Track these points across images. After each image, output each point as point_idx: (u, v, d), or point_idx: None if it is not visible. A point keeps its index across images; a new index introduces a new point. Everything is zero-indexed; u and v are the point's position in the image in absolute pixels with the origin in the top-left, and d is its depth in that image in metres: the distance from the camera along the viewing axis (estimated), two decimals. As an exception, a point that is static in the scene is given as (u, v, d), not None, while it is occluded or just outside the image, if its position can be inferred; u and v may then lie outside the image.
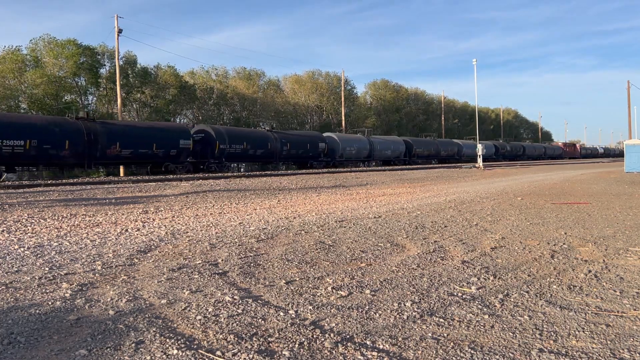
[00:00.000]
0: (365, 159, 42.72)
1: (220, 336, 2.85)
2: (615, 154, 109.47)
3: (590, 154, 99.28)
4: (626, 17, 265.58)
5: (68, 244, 5.81)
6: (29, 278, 4.19)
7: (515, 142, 78.29)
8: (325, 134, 40.43)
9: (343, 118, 54.43)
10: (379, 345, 2.72)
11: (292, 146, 35.25)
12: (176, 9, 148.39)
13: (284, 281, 4.05)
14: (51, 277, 4.20)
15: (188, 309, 3.34)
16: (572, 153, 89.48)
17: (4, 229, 6.95)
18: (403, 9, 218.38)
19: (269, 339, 2.81)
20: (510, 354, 2.60)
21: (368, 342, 2.76)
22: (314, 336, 2.85)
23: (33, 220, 7.78)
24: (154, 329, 2.95)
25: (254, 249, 5.45)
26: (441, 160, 52.49)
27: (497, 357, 2.56)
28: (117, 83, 35.14)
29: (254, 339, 2.81)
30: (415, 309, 3.32)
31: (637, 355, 2.59)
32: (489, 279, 4.12)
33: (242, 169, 37.98)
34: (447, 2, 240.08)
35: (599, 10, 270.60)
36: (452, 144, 55.57)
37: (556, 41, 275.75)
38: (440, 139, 60.17)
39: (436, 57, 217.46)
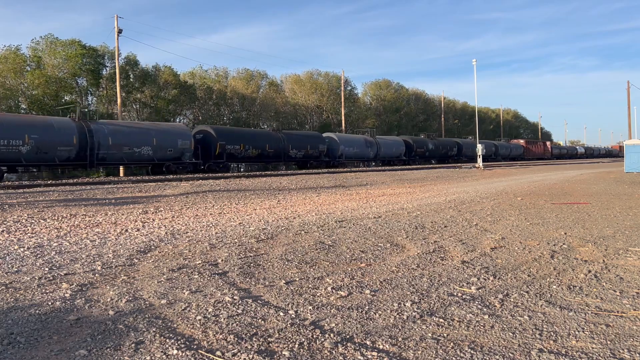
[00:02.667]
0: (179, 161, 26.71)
1: (220, 336, 2.85)
2: (600, 154, 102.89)
3: (566, 155, 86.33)
4: (627, 18, 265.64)
5: (68, 244, 5.81)
6: (28, 278, 4.19)
7: (447, 138, 58.49)
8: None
9: (343, 118, 54.41)
10: (378, 345, 2.72)
11: None
12: (178, 10, 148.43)
13: (283, 281, 4.04)
14: (51, 278, 4.20)
15: (188, 309, 3.34)
16: (540, 153, 73.99)
17: (4, 229, 6.94)
18: (405, 9, 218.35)
19: (268, 339, 2.81)
20: (510, 354, 2.60)
21: (368, 342, 2.76)
22: (314, 336, 2.85)
23: (33, 221, 7.78)
24: (153, 329, 2.95)
25: (254, 249, 5.44)
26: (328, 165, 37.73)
27: (497, 357, 2.56)
28: (117, 83, 35.12)
29: (254, 339, 2.81)
30: (415, 309, 3.32)
31: (637, 355, 2.59)
32: (488, 279, 4.12)
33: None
34: (448, 3, 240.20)
35: (601, 11, 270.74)
36: (362, 141, 39.83)
37: (557, 42, 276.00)
38: (310, 131, 43.46)
39: (437, 57, 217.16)
